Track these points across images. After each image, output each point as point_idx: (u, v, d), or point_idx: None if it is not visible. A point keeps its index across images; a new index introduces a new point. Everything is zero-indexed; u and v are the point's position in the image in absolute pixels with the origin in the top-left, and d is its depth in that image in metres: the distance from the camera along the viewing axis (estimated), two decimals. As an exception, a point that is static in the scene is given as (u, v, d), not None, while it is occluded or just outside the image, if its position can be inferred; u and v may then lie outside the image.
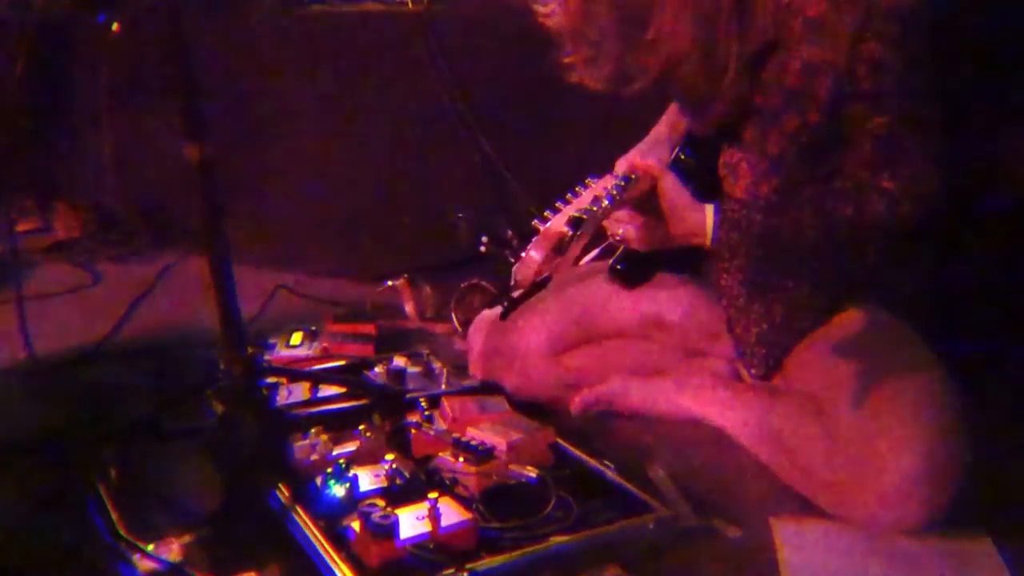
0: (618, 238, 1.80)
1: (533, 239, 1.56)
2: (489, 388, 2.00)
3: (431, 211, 2.73)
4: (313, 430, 1.83)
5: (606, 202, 1.57)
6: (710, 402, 1.90)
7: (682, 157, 1.90)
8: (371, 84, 2.75)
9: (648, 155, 1.91)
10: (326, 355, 2.25)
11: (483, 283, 2.48)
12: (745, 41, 1.73)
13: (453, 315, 2.48)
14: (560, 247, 1.51)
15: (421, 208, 2.77)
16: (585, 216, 1.52)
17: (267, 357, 2.29)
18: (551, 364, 2.03)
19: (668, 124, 2.10)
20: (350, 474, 1.69)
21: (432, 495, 1.56)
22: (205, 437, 1.85)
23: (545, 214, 1.66)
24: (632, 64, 1.77)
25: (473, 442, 1.75)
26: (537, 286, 1.53)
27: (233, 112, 2.75)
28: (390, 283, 2.62)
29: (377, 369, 2.16)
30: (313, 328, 2.38)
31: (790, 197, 1.76)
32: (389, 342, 2.40)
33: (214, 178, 1.71)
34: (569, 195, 1.77)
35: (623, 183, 1.66)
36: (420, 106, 2.69)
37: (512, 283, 1.55)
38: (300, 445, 1.80)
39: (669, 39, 1.72)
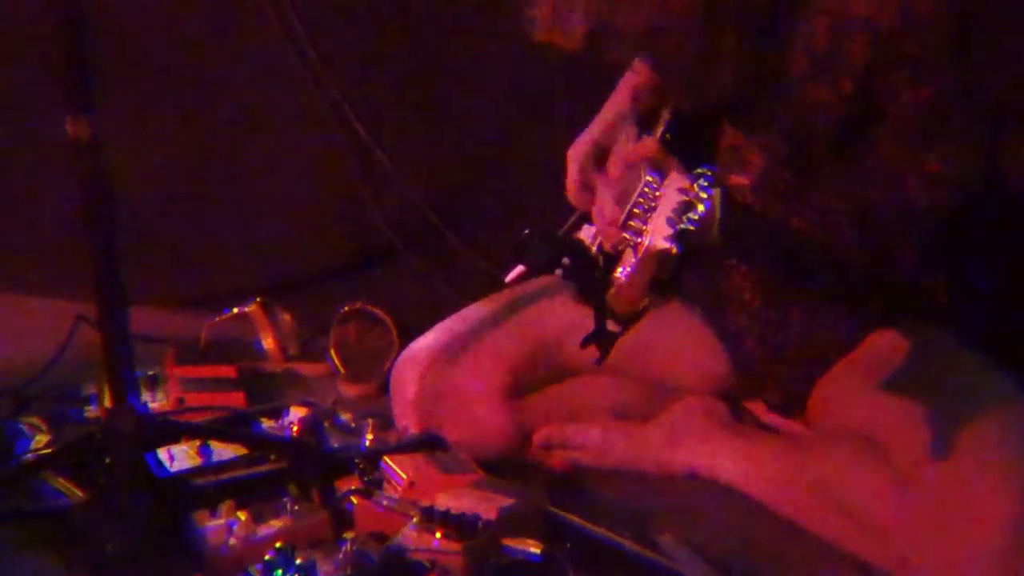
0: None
1: (624, 258, 1.58)
2: (436, 442, 2.00)
3: (282, 209, 2.70)
4: (224, 506, 1.78)
5: (701, 207, 1.60)
6: (722, 455, 1.97)
7: (667, 138, 1.97)
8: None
9: (618, 137, 1.97)
10: (184, 408, 2.19)
11: (367, 307, 2.47)
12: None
13: (332, 351, 2.46)
14: (665, 268, 1.54)
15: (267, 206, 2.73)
16: (693, 228, 1.56)
17: (91, 413, 2.21)
18: (508, 410, 2.04)
19: (629, 95, 2.15)
20: (300, 561, 1.66)
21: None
22: (66, 520, 1.78)
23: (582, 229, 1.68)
24: (610, 23, 1.82)
25: (451, 512, 1.75)
26: (638, 316, 1.56)
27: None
28: (235, 310, 2.56)
29: (264, 424, 2.12)
30: (151, 373, 2.31)
31: (812, 181, 1.86)
32: (252, 389, 2.36)
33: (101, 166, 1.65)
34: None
35: (689, 181, 1.67)
36: (270, 76, 2.66)
37: (608, 313, 1.57)
38: (211, 526, 1.75)
39: None
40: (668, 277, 1.55)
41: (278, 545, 1.67)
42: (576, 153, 2.02)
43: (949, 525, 1.66)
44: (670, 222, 1.56)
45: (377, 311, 2.44)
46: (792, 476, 1.88)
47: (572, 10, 1.79)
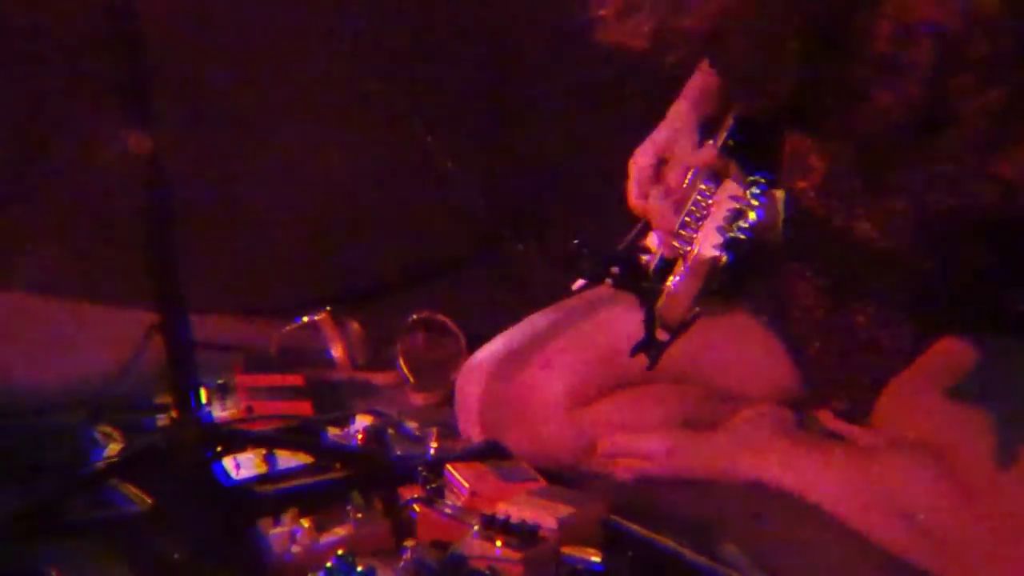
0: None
1: (676, 267, 1.59)
2: (498, 451, 2.02)
3: (350, 220, 2.73)
4: (287, 514, 1.81)
5: (753, 215, 1.60)
6: (788, 464, 1.96)
7: (730, 144, 1.97)
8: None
9: (679, 144, 1.97)
10: (253, 416, 2.22)
11: (436, 316, 2.49)
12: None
13: (400, 360, 2.48)
14: (715, 277, 1.55)
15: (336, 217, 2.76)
16: (744, 237, 1.56)
17: (163, 422, 2.24)
18: (571, 419, 2.05)
19: (692, 103, 2.16)
20: (361, 568, 1.68)
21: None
22: (131, 528, 1.81)
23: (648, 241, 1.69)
24: (673, 23, 1.83)
25: (512, 520, 1.76)
26: (687, 325, 1.57)
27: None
28: (304, 319, 2.59)
29: (330, 432, 2.14)
30: (220, 382, 2.34)
31: (878, 187, 1.85)
32: (320, 398, 2.39)
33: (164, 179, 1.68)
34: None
35: (742, 188, 1.68)
36: (337, 88, 2.69)
37: (656, 322, 1.58)
38: (275, 534, 1.78)
39: None
40: (718, 286, 1.55)
41: (339, 553, 1.69)
42: (637, 162, 2.03)
43: (1015, 536, 1.66)
44: (720, 230, 1.56)
45: (445, 320, 2.47)
46: (858, 486, 1.87)
47: (637, 10, 1.79)
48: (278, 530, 1.78)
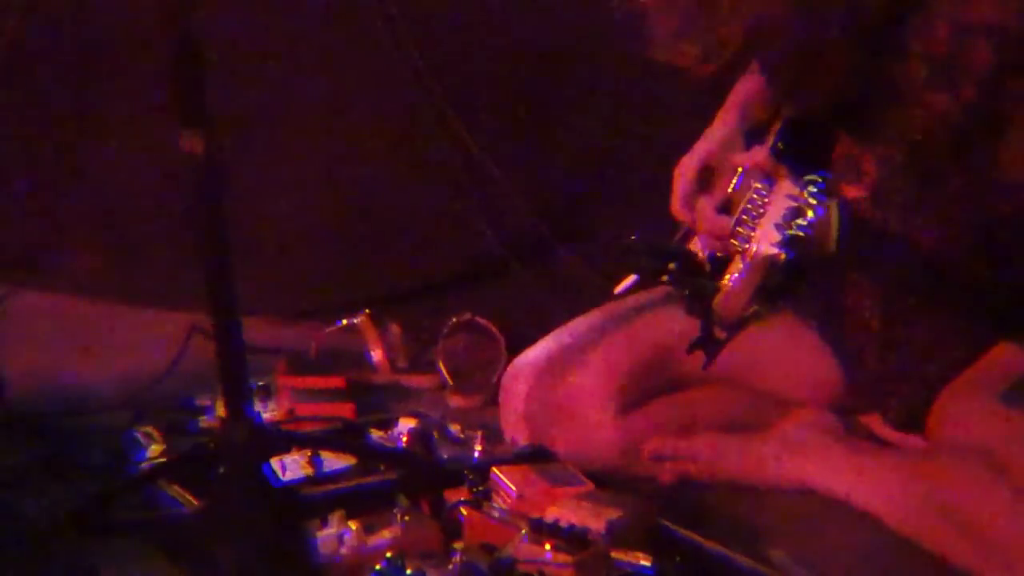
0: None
1: (733, 265, 1.59)
2: (545, 454, 2.02)
3: (391, 222, 2.74)
4: (335, 516, 1.82)
5: (811, 212, 1.60)
6: (838, 470, 1.96)
7: (780, 147, 1.97)
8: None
9: (728, 149, 1.97)
10: (295, 418, 2.22)
11: (476, 319, 2.50)
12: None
13: (440, 363, 2.48)
14: (774, 274, 1.55)
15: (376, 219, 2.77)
16: (803, 234, 1.56)
17: (205, 423, 2.26)
18: (618, 422, 2.06)
19: (738, 110, 2.16)
20: (410, 571, 1.68)
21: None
22: (181, 530, 1.82)
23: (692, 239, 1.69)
24: (713, 34, 1.83)
25: (561, 524, 1.77)
26: (744, 323, 1.57)
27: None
28: (344, 322, 2.60)
29: (374, 434, 2.15)
30: (262, 383, 2.35)
31: (932, 192, 1.84)
32: (360, 400, 2.40)
33: (221, 181, 1.69)
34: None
35: (799, 187, 1.68)
36: (378, 89, 2.70)
37: (713, 320, 1.58)
38: (323, 536, 1.78)
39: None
40: (777, 285, 1.55)
41: (388, 555, 1.69)
42: (683, 170, 2.03)
43: None
44: (778, 228, 1.56)
45: (486, 323, 2.47)
46: (909, 492, 1.86)
47: (687, 27, 1.80)
48: (326, 532, 1.78)
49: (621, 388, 2.06)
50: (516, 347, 2.35)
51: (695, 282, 1.69)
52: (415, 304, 2.71)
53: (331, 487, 1.91)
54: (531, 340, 2.23)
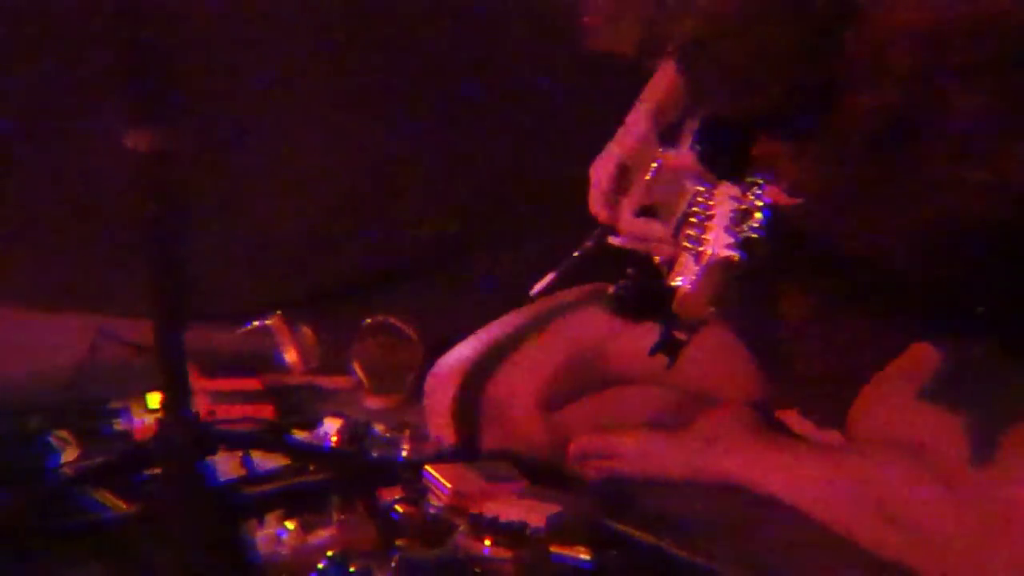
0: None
1: (686, 267, 1.62)
2: (475, 452, 2.04)
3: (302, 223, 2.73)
4: (271, 515, 1.82)
5: (759, 214, 1.64)
6: (761, 465, 2.00)
7: (698, 148, 2.01)
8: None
9: (643, 148, 2.01)
10: (218, 420, 2.21)
11: (391, 320, 2.51)
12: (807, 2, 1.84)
13: (356, 364, 2.49)
14: (730, 277, 1.58)
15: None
16: (755, 236, 1.60)
17: (119, 427, 2.24)
18: (546, 420, 2.08)
19: (652, 109, 2.19)
20: (353, 570, 1.69)
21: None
22: (119, 532, 1.80)
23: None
24: (663, 26, 1.86)
25: (500, 519, 1.79)
26: (703, 323, 1.60)
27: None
28: (255, 323, 2.59)
29: (298, 435, 2.15)
30: (177, 385, 2.33)
31: (859, 196, 1.90)
32: (277, 401, 2.39)
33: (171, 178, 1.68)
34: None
35: (740, 190, 1.71)
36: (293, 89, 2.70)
37: (674, 321, 1.61)
38: (261, 536, 1.78)
39: None
40: (733, 286, 1.59)
41: (330, 554, 1.70)
42: (599, 170, 2.06)
43: (999, 534, 1.69)
44: (729, 231, 1.60)
45: (401, 324, 2.48)
46: (836, 487, 1.90)
47: (625, 14, 1.82)
48: (264, 532, 1.77)
49: (547, 386, 2.08)
50: (431, 348, 2.37)
51: (653, 286, 1.72)
52: (325, 306, 2.68)
53: (267, 487, 1.88)
54: (446, 341, 2.25)
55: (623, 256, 1.78)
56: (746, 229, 1.56)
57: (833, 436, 2.04)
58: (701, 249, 1.60)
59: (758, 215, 1.60)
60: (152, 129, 1.62)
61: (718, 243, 1.58)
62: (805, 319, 1.97)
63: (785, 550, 1.88)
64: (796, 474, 1.97)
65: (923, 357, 1.93)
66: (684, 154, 1.91)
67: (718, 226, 1.61)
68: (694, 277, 1.58)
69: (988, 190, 1.80)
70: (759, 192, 1.63)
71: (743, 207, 1.61)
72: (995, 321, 1.98)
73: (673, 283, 1.63)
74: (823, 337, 1.96)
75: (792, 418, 2.13)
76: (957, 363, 1.89)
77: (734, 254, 1.55)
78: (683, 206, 1.78)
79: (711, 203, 1.70)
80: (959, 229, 1.85)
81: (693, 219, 1.71)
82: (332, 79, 2.77)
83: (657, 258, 1.82)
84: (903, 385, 1.90)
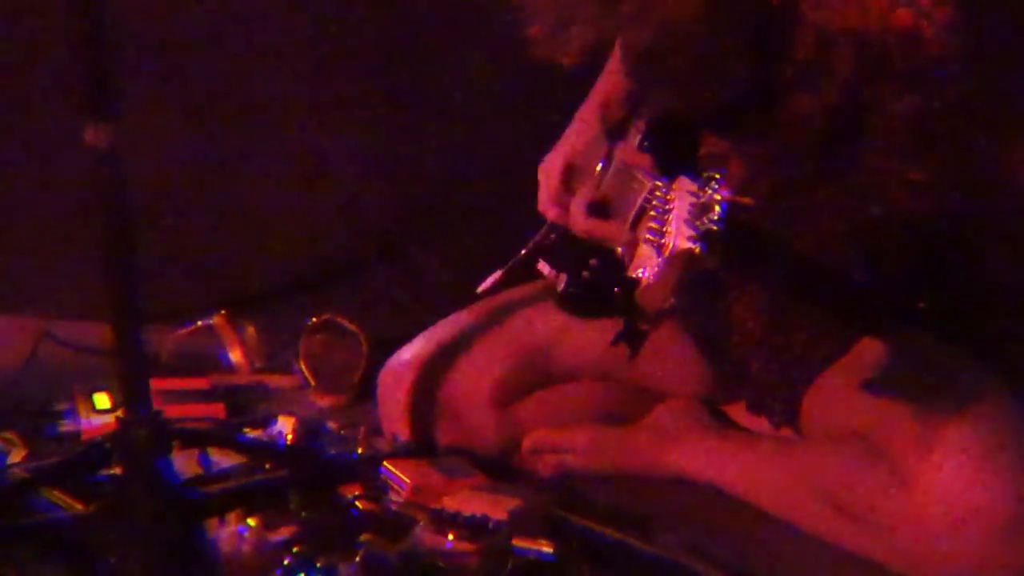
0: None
1: (645, 258, 1.65)
2: (431, 448, 2.06)
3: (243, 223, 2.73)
4: (232, 514, 1.82)
5: (718, 208, 1.67)
6: (711, 457, 2.04)
7: (646, 146, 2.04)
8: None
9: (591, 148, 2.04)
10: (176, 419, 2.20)
11: (335, 318, 2.51)
12: (752, 6, 1.88)
13: (302, 363, 2.49)
14: (690, 269, 1.61)
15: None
16: (715, 228, 1.62)
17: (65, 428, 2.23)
18: (499, 416, 2.10)
19: (598, 109, 2.22)
20: (319, 565, 1.70)
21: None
22: (75, 530, 1.79)
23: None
24: (612, 33, 1.89)
25: (463, 514, 1.81)
26: (664, 314, 1.63)
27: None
28: (198, 323, 2.58)
29: (249, 433, 2.15)
30: (124, 386, 2.31)
31: (804, 196, 1.94)
32: (225, 400, 2.39)
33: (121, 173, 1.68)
34: None
35: (697, 184, 1.74)
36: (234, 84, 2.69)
37: (636, 313, 1.64)
38: (224, 534, 1.78)
39: (664, 4, 1.85)
40: (693, 278, 1.62)
41: (296, 550, 1.70)
42: (548, 169, 2.09)
43: (950, 519, 1.75)
44: (689, 224, 1.63)
45: (346, 323, 2.48)
46: (790, 478, 1.95)
47: (568, 22, 1.85)
48: (225, 530, 1.78)
49: (499, 383, 2.11)
50: (375, 346, 2.38)
51: (615, 277, 1.74)
52: (268, 306, 2.68)
53: (226, 485, 1.88)
54: (391, 339, 2.26)
55: (583, 249, 1.79)
56: (706, 222, 1.60)
57: (784, 431, 2.06)
58: (663, 241, 1.63)
59: (717, 208, 1.63)
60: (112, 124, 1.60)
61: (679, 235, 1.61)
62: (758, 322, 1.99)
63: (734, 541, 1.92)
64: (748, 467, 2.02)
65: (868, 350, 1.97)
66: (635, 151, 1.93)
67: (678, 219, 1.64)
68: (656, 269, 1.61)
69: (924, 188, 1.84)
70: (716, 187, 1.66)
71: (702, 201, 1.63)
72: (935, 314, 2.02)
73: (635, 275, 1.65)
74: (776, 343, 1.99)
75: (741, 413, 2.15)
76: (901, 355, 1.93)
77: (695, 246, 1.58)
78: (639, 200, 1.81)
79: (669, 197, 1.73)
80: (899, 227, 1.89)
81: (652, 212, 1.74)
82: (281, 76, 2.75)
83: (619, 250, 1.84)
84: (849, 378, 1.94)
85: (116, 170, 1.66)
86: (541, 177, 2.13)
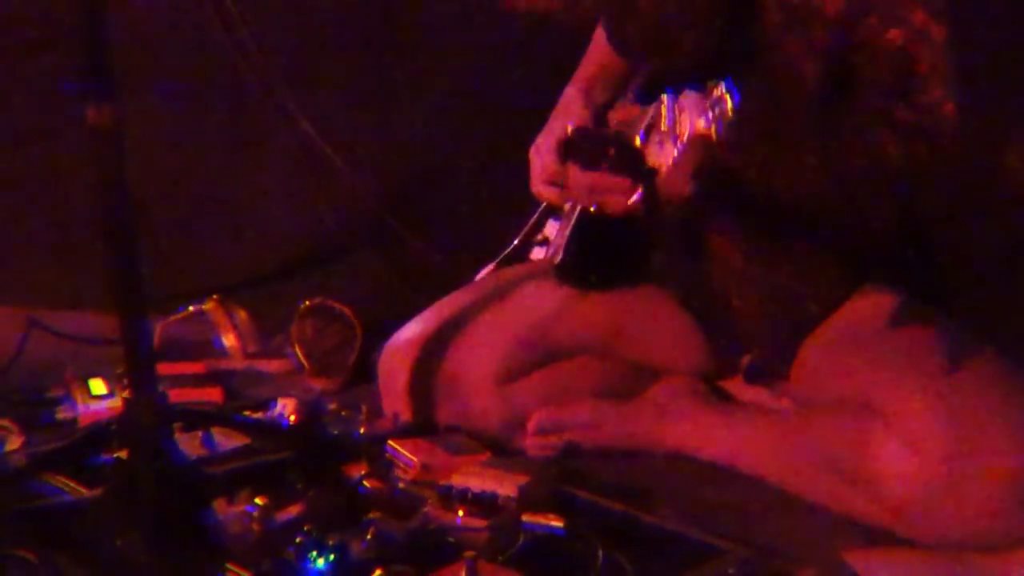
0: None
1: (664, 152, 1.66)
2: (432, 428, 2.06)
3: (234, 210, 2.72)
4: (240, 493, 1.82)
5: (730, 100, 1.69)
6: (712, 432, 2.05)
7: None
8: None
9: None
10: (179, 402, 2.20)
11: (328, 302, 2.51)
12: None
13: (296, 347, 2.49)
14: (708, 155, 1.63)
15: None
16: (730, 114, 1.67)
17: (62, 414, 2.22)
18: (500, 394, 2.10)
19: (584, 89, 2.23)
20: (331, 543, 1.70)
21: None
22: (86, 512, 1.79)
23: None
24: None
25: (472, 490, 1.81)
26: (685, 200, 1.76)
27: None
28: (190, 309, 2.58)
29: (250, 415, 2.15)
30: (120, 371, 2.31)
31: (790, 142, 1.95)
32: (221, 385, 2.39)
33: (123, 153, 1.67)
34: None
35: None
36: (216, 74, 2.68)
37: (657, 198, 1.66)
38: (232, 514, 1.78)
39: None
40: (711, 164, 1.62)
41: (307, 528, 1.70)
42: (541, 150, 2.11)
43: (954, 482, 1.75)
44: (703, 114, 1.65)
45: (338, 306, 2.48)
46: (791, 449, 1.95)
47: None
48: (234, 510, 1.77)
49: (501, 361, 2.10)
50: (368, 329, 2.38)
51: (634, 166, 1.76)
52: (260, 291, 2.68)
53: (233, 465, 1.88)
54: (381, 322, 2.26)
55: (602, 139, 1.80)
56: (719, 112, 1.62)
57: (783, 402, 2.07)
58: (679, 131, 1.65)
59: (730, 102, 1.66)
60: (114, 104, 1.59)
61: (694, 124, 1.64)
62: (739, 255, 2.02)
63: (735, 514, 1.93)
64: (747, 439, 2.03)
65: (862, 310, 1.99)
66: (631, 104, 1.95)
67: (691, 113, 1.67)
68: (675, 154, 1.63)
69: (906, 130, 1.88)
70: (725, 86, 1.69)
71: (714, 95, 1.67)
72: (920, 268, 2.06)
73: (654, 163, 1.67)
74: (757, 276, 2.01)
75: (739, 387, 2.16)
76: (897, 318, 1.95)
77: (711, 130, 1.60)
78: (646, 120, 1.82)
79: (678, 106, 1.76)
80: (884, 173, 1.93)
81: (664, 120, 1.77)
82: (271, 64, 2.75)
83: (637, 140, 1.85)
84: (846, 342, 1.97)
85: (119, 148, 1.64)
86: (534, 160, 2.14)
